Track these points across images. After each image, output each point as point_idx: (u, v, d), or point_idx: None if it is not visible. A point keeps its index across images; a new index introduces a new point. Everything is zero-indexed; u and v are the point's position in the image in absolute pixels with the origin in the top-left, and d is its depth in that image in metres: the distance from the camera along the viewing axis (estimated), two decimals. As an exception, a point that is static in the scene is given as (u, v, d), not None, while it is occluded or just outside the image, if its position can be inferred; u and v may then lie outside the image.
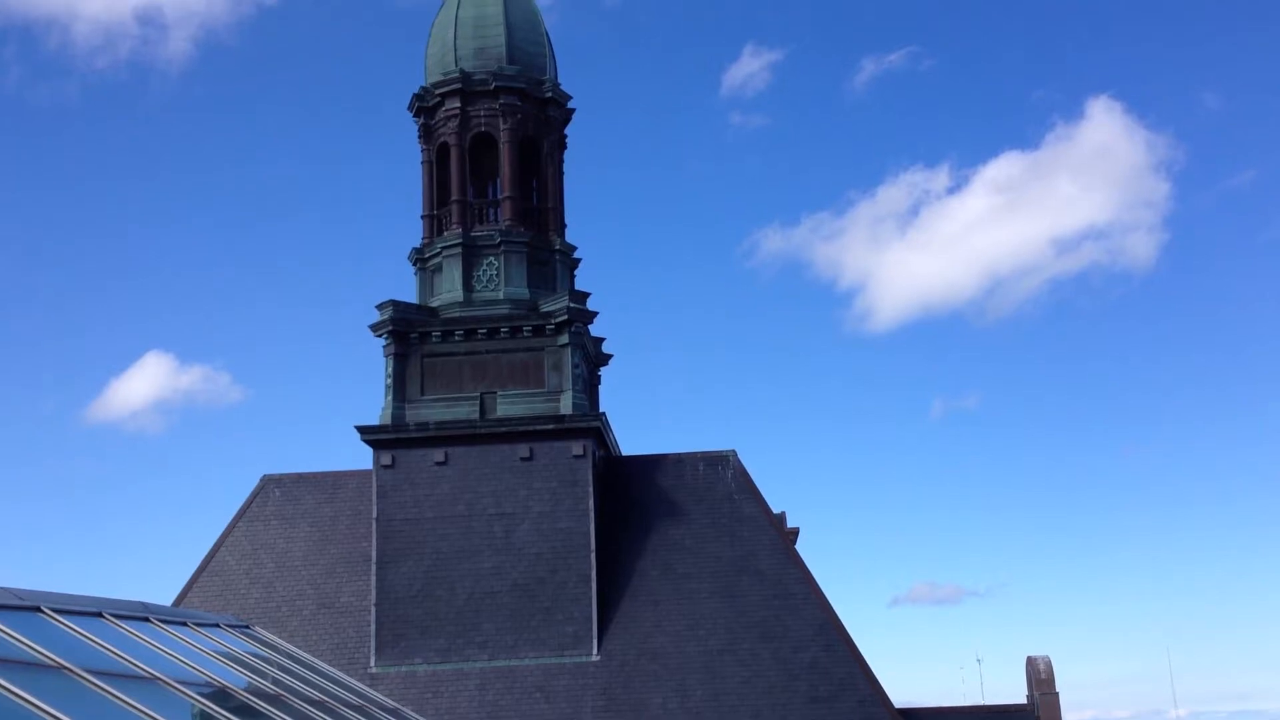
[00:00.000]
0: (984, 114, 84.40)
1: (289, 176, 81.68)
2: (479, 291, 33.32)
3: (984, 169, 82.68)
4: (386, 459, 31.64)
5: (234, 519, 33.64)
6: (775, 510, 32.43)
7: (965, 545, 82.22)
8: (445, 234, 34.14)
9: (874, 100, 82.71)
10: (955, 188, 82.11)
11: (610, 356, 37.01)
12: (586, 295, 33.09)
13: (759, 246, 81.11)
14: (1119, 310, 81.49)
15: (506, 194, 34.05)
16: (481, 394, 32.26)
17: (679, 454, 33.32)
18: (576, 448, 31.24)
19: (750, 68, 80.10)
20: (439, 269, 33.94)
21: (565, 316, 31.98)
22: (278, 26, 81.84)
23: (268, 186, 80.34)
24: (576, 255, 35.25)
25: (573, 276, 34.87)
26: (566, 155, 36.21)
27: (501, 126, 34.17)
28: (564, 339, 32.18)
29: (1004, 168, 78.68)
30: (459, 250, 33.49)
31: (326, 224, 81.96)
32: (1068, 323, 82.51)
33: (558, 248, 34.40)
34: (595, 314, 33.20)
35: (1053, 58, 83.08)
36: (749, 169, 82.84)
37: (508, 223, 33.77)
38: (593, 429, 31.51)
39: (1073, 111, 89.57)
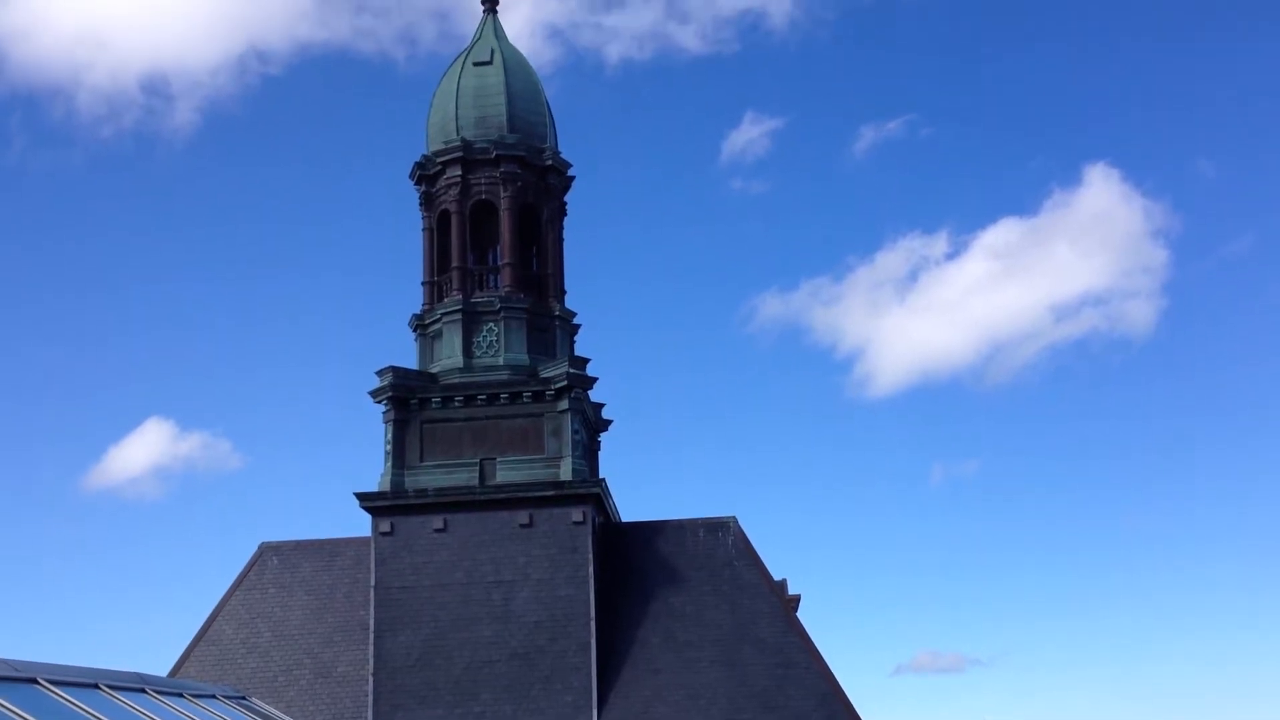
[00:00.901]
0: (982, 181, 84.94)
1: (291, 243, 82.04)
2: (479, 357, 33.35)
3: (982, 235, 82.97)
4: (385, 526, 31.49)
5: (231, 587, 33.42)
6: (776, 577, 32.22)
7: (968, 612, 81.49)
8: (445, 300, 34.23)
9: (873, 167, 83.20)
10: (954, 254, 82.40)
11: (610, 422, 36.96)
12: (586, 361, 33.12)
13: (757, 311, 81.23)
14: (1119, 376, 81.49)
15: (506, 260, 34.19)
16: (481, 460, 32.18)
17: (679, 520, 33.15)
18: (576, 514, 31.11)
19: (750, 134, 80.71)
20: (439, 335, 34.00)
21: (565, 382, 31.98)
22: (282, 95, 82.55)
23: (269, 253, 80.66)
24: (576, 321, 35.33)
25: (572, 342, 34.92)
26: (566, 221, 36.45)
27: (502, 194, 34.41)
28: (563, 405, 32.15)
29: (1002, 234, 78.99)
30: (459, 316, 33.57)
31: (327, 290, 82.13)
32: (1067, 387, 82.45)
33: (557, 313, 34.49)
34: (595, 380, 33.21)
35: (1050, 125, 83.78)
36: (748, 234, 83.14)
37: (507, 289, 33.89)
38: (592, 495, 31.40)
39: (1070, 178, 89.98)
